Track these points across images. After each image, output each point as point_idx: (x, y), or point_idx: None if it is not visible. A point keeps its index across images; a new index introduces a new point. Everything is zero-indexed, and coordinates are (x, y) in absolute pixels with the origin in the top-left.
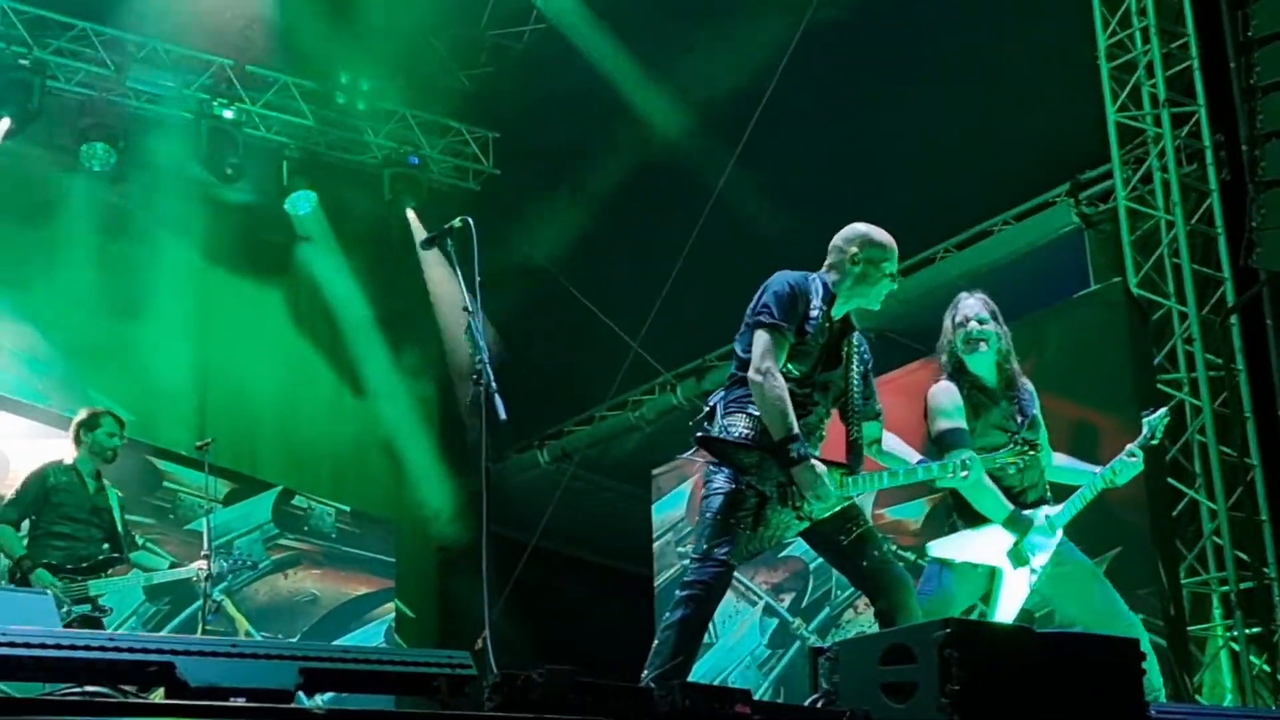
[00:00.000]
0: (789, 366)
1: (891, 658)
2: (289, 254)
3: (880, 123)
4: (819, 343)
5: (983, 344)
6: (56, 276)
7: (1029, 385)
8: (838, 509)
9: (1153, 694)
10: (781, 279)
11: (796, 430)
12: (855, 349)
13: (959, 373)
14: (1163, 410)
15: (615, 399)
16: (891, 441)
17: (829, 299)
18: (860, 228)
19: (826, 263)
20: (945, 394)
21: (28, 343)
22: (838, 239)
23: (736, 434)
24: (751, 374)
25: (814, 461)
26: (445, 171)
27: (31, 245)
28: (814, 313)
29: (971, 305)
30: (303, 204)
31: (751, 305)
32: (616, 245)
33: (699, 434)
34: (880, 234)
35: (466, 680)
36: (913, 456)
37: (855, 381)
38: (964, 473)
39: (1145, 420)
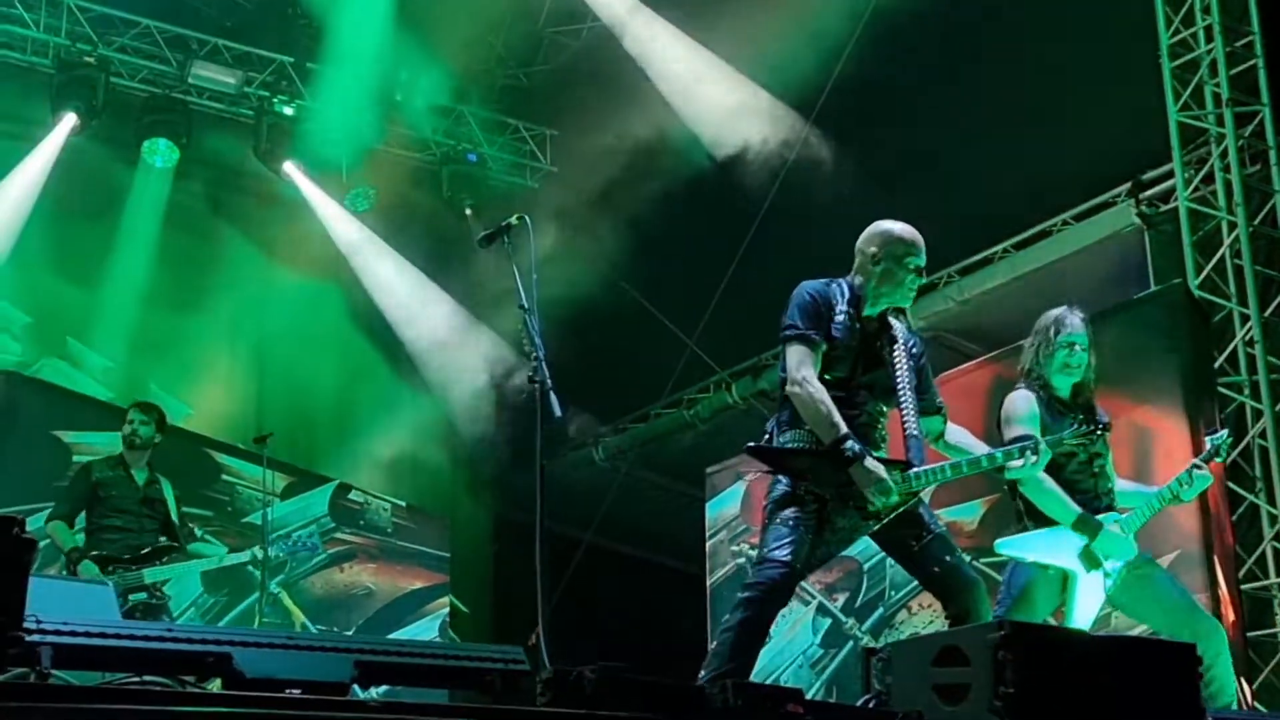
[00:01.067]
0: (824, 375)
1: (945, 659)
2: (347, 249)
3: (940, 121)
4: (852, 345)
5: (1078, 369)
6: (119, 271)
7: (1100, 409)
8: (905, 510)
9: (1227, 699)
10: (801, 290)
11: (845, 429)
12: (901, 343)
13: (1039, 382)
14: (1224, 431)
15: (670, 397)
16: (957, 434)
17: (854, 301)
18: (881, 225)
19: (854, 266)
20: (1024, 401)
21: (90, 336)
22: (859, 241)
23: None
24: (790, 387)
25: (869, 459)
26: (503, 169)
27: (94, 240)
28: (839, 317)
29: (1077, 325)
30: (361, 200)
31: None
32: (674, 243)
33: (749, 445)
34: (901, 229)
35: (519, 675)
36: (979, 447)
37: (903, 375)
38: (1034, 457)
39: (1208, 439)
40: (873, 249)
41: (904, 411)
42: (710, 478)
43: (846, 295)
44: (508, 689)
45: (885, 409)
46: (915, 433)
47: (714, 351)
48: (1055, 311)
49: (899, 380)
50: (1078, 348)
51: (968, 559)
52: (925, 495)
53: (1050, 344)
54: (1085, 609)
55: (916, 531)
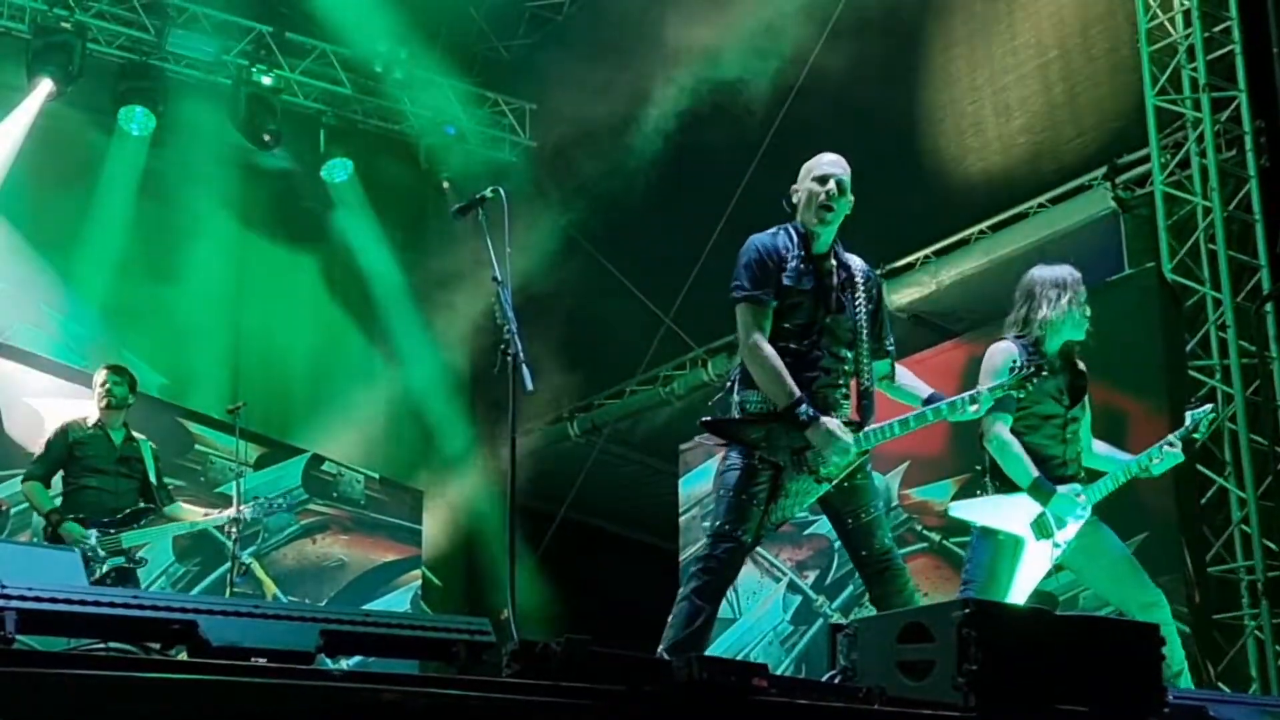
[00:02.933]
0: (784, 324)
1: (910, 636)
2: (324, 221)
3: (917, 101)
4: (807, 287)
5: (1084, 329)
6: (93, 239)
7: (1082, 367)
8: (852, 484)
9: (1177, 668)
10: (749, 246)
11: (799, 393)
12: (860, 285)
13: (1029, 337)
14: (1208, 406)
15: (646, 373)
16: (903, 375)
17: (804, 241)
18: (804, 168)
19: (797, 215)
20: (1005, 354)
21: (64, 304)
22: (791, 191)
23: (750, 408)
24: (742, 351)
25: (824, 420)
26: (482, 142)
27: (69, 207)
28: (791, 262)
29: (1082, 285)
30: (339, 171)
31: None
32: (651, 219)
33: (703, 419)
34: (818, 157)
35: (485, 647)
36: (923, 389)
37: (863, 320)
38: (973, 406)
39: (1189, 413)
40: (796, 187)
41: (861, 363)
42: (683, 454)
43: (796, 240)
44: (473, 660)
45: (847, 355)
46: (869, 388)
47: (690, 328)
48: (1066, 271)
49: (860, 325)
50: (1088, 309)
51: (936, 537)
52: (897, 477)
53: (1071, 301)
54: (1027, 577)
55: (855, 510)
